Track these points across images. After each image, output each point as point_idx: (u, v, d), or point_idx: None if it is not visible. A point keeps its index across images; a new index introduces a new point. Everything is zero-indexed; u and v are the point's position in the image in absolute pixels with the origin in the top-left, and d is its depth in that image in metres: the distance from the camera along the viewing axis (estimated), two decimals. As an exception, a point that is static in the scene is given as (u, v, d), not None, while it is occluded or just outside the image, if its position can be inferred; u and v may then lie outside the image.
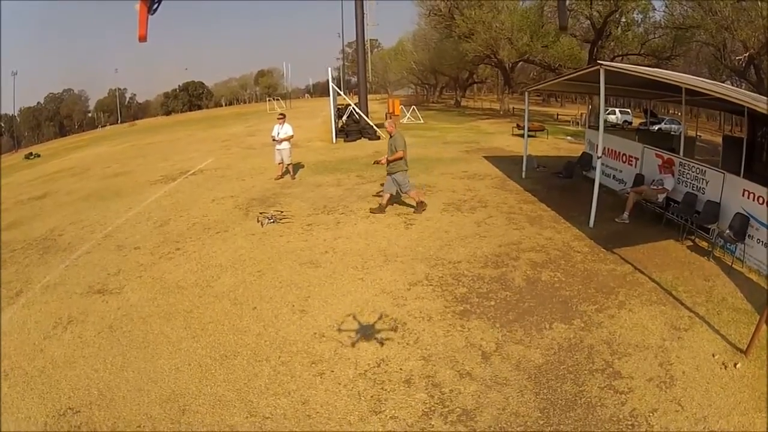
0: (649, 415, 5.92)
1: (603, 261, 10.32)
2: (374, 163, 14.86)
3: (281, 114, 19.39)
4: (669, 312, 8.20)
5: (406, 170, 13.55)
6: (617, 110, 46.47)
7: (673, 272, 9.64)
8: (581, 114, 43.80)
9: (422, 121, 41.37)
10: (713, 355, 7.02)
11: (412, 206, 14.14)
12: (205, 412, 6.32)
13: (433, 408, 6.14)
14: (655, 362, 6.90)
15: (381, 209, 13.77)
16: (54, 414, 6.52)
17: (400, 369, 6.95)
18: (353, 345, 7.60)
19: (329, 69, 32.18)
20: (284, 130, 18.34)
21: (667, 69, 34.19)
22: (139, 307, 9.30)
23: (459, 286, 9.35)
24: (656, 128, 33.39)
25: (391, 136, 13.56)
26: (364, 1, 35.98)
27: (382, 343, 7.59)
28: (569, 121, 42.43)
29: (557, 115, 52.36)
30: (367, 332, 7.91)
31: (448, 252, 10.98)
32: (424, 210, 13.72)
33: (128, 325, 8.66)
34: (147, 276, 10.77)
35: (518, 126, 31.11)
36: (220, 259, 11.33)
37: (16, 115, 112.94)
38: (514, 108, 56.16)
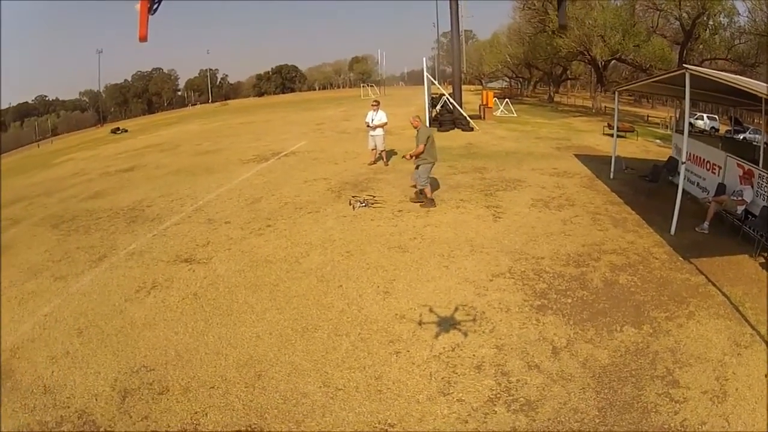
0: (698, 428, 5.96)
1: (679, 270, 10.12)
2: (403, 157, 15.10)
3: (375, 101, 19.53)
4: (733, 327, 8.06)
5: (432, 163, 13.67)
6: (705, 116, 44.69)
7: (743, 288, 9.36)
8: (671, 117, 42.65)
9: (515, 115, 40.77)
10: (766, 376, 6.90)
11: (500, 201, 14.26)
12: (281, 379, 6.74)
13: (498, 395, 6.36)
14: (712, 376, 6.87)
15: (430, 202, 13.82)
16: (126, 370, 7.07)
17: (473, 355, 7.18)
18: (432, 328, 7.88)
19: (424, 59, 32.19)
20: (378, 116, 18.47)
21: (751, 76, 32.95)
22: (226, 278, 9.81)
23: (539, 282, 9.46)
24: (741, 137, 32.19)
25: (417, 131, 13.72)
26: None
27: (459, 329, 7.85)
28: (659, 124, 41.42)
29: (647, 116, 50.91)
30: (446, 318, 8.17)
31: (533, 247, 11.05)
32: (429, 207, 13.67)
33: (213, 294, 9.19)
34: (236, 249, 11.28)
35: (609, 126, 30.30)
36: (310, 238, 11.73)
37: (101, 91, 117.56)
38: (606, 107, 54.82)
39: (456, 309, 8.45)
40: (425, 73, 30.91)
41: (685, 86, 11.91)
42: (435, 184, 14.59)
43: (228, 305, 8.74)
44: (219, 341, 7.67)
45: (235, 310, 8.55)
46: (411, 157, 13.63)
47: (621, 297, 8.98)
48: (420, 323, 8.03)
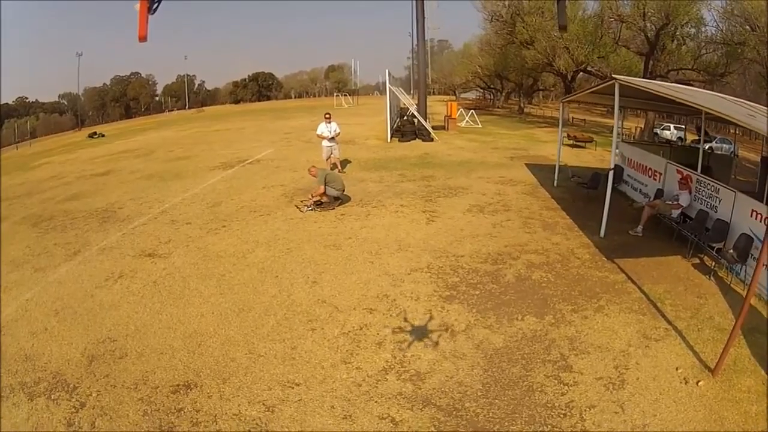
0: (585, 410, 6.34)
1: (599, 269, 10.66)
2: (301, 201, 15.96)
3: (327, 113, 20.42)
4: (646, 322, 8.43)
5: (339, 190, 15.35)
6: (672, 126, 44.22)
7: (666, 286, 9.77)
8: (636, 128, 43.13)
9: (480, 126, 41.23)
10: (677, 369, 7.15)
11: (438, 207, 15.25)
12: (216, 347, 8.03)
13: (392, 366, 7.45)
14: (611, 364, 7.25)
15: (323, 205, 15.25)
16: (94, 341, 8.34)
17: (377, 334, 8.29)
18: (346, 311, 9.04)
19: (386, 71, 32.88)
20: (332, 128, 19.62)
21: (720, 88, 33.54)
22: (182, 269, 11.07)
23: (453, 276, 10.37)
24: (707, 147, 32.64)
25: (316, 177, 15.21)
26: (425, 2, 36.89)
27: (370, 312, 9.00)
28: (623, 134, 42.02)
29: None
30: (360, 303, 9.34)
31: (456, 247, 11.95)
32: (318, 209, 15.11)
33: (170, 282, 10.46)
34: (193, 246, 12.48)
35: (568, 136, 31.17)
36: (258, 237, 12.89)
37: (80, 94, 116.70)
38: (573, 118, 54.91)
39: (372, 297, 9.58)
40: (388, 85, 31.88)
41: (626, 96, 12.73)
42: (346, 199, 15.81)
43: (181, 291, 10.00)
44: (170, 319, 8.94)
45: (186, 295, 9.81)
46: (312, 197, 15.08)
47: (530, 291, 9.70)
48: (337, 306, 9.20)
